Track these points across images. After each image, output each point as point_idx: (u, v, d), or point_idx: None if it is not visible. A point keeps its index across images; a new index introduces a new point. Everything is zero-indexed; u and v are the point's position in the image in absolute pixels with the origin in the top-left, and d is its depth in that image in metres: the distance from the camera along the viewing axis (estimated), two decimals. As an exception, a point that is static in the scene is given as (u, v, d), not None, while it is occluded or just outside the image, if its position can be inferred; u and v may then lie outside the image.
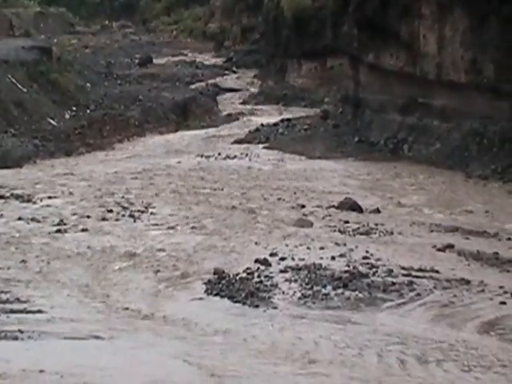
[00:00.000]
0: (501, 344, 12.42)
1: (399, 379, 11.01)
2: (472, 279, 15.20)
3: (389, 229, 19.88)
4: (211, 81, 59.58)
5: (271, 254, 16.81)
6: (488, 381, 11.00)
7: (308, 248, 17.58)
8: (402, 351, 11.96)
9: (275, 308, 13.97)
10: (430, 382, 10.90)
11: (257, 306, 14.02)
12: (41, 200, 22.99)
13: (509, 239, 19.07)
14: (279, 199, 23.66)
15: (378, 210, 22.27)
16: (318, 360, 11.64)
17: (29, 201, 22.84)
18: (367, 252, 17.13)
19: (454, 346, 12.21)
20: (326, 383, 10.86)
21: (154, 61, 67.63)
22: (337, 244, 17.96)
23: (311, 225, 20.13)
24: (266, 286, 14.97)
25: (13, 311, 13.52)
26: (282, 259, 16.54)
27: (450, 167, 28.31)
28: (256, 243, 18.18)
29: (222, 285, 15.04)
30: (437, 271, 15.73)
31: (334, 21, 41.92)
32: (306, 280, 15.17)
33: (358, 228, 19.82)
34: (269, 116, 44.90)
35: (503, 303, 13.94)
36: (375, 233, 19.48)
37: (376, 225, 20.23)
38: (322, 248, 17.56)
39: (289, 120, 41.45)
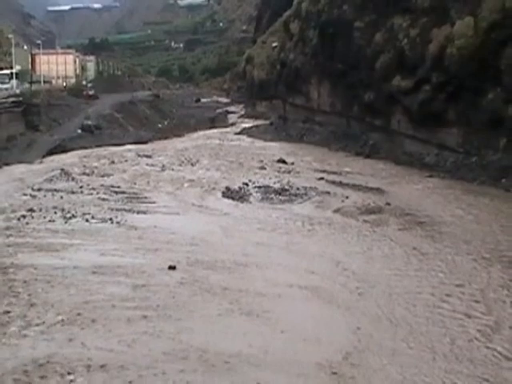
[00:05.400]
0: (341, 216, 12.34)
1: (306, 232, 10.88)
2: (331, 191, 14.99)
3: (298, 171, 19.51)
4: (224, 108, 58.62)
5: (249, 181, 16.47)
6: (334, 231, 10.91)
7: (264, 178, 17.22)
8: (294, 221, 11.75)
9: (250, 203, 13.76)
10: (320, 233, 10.76)
11: (243, 202, 13.79)
12: (154, 157, 22.47)
13: (346, 175, 18.82)
14: (252, 158, 23.12)
15: (292, 163, 21.76)
16: (268, 224, 11.51)
17: (150, 157, 22.28)
18: (288, 180, 16.83)
19: (323, 218, 12.04)
20: (269, 235, 10.72)
21: (202, 100, 66.48)
22: (276, 177, 17.61)
23: (265, 169, 19.74)
24: (246, 194, 14.70)
25: (143, 202, 13.31)
26: (253, 183, 16.21)
27: (323, 145, 27.58)
28: (243, 176, 17.76)
29: (228, 193, 14.74)
30: (317, 188, 15.48)
31: (275, 84, 41.12)
32: (263, 191, 14.90)
33: (285, 170, 19.43)
34: (248, 124, 43.98)
35: (343, 201, 13.78)
36: (292, 172, 19.10)
37: (292, 169, 19.84)
38: (270, 178, 17.21)
39: (257, 126, 40.72)
